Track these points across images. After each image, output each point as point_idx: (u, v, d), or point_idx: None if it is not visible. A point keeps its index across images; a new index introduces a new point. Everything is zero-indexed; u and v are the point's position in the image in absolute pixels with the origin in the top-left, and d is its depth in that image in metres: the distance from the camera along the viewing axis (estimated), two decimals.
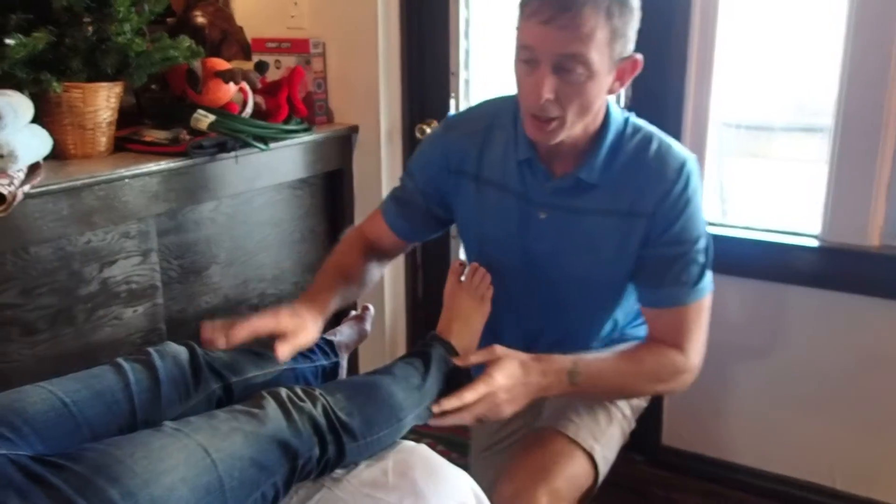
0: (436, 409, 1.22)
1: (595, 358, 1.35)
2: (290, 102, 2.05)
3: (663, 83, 1.85)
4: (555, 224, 1.36)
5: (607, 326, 1.48)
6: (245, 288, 2.03)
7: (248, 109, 1.94)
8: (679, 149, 1.32)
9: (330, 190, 2.24)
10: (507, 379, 1.23)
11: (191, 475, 0.96)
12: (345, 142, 2.22)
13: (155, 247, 1.76)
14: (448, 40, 2.14)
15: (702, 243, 1.32)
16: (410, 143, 2.24)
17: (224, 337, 1.18)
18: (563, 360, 1.29)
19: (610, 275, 1.38)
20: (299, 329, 1.25)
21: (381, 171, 2.22)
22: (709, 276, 1.34)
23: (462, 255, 2.26)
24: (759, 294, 1.88)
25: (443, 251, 2.30)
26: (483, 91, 2.20)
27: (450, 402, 1.20)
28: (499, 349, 1.28)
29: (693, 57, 1.85)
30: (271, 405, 1.13)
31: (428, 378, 1.33)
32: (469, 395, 1.21)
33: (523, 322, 1.50)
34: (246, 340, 1.20)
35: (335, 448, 1.15)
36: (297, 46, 2.16)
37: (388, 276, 2.32)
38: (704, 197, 1.37)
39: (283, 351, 1.22)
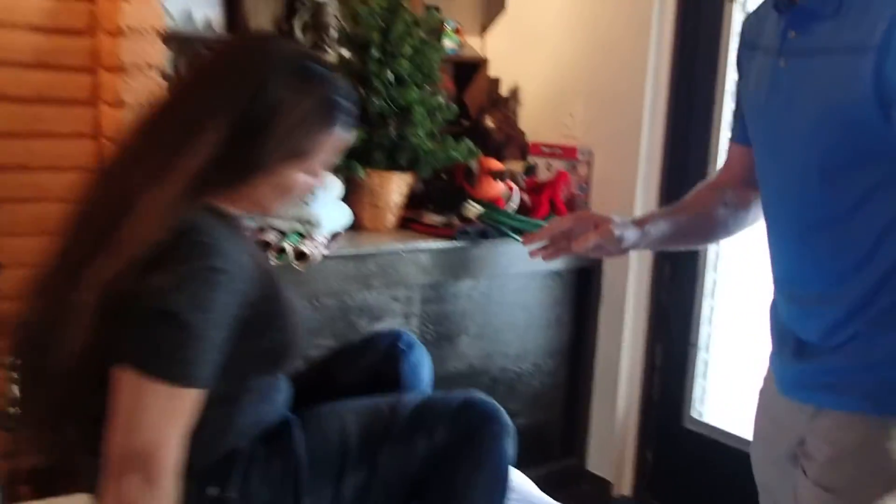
0: None
1: None
2: (551, 202, 2.28)
3: None
4: (790, 73, 1.02)
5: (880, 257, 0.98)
6: (489, 361, 2.26)
7: (513, 204, 2.21)
8: None
9: (579, 285, 2.42)
10: None
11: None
12: None
13: (417, 312, 2.07)
14: (707, 157, 2.24)
15: None
16: None
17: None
18: None
19: (844, 144, 0.96)
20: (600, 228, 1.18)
21: (629, 271, 2.35)
22: None
23: None
24: None
25: (681, 357, 2.34)
26: None
27: None
28: None
29: None
30: None
31: None
32: None
33: (783, 263, 1.12)
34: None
35: None
36: (567, 153, 2.40)
37: (624, 374, 2.40)
38: None
39: (578, 244, 1.18)
